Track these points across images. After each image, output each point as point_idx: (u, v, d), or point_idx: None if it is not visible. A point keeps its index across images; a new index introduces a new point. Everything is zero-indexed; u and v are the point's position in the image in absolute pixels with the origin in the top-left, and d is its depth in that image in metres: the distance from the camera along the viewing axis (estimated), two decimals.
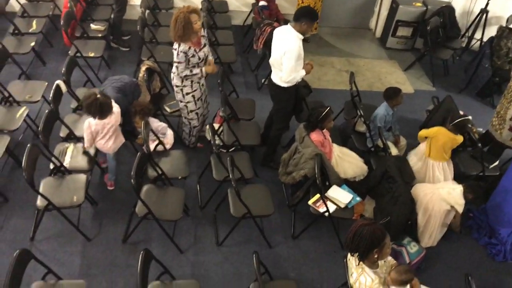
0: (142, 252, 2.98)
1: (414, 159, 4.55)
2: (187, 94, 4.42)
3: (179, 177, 4.13)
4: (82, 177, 3.93)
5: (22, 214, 4.07)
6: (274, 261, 3.94)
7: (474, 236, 4.42)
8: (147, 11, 6.19)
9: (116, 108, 4.02)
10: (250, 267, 3.81)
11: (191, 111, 4.57)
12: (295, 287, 3.26)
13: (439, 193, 3.93)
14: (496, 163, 4.73)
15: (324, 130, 4.21)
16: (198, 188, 4.55)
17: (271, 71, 4.44)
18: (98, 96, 3.79)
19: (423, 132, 4.52)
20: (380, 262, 2.97)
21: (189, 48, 4.11)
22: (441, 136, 4.34)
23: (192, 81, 4.34)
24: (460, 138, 4.35)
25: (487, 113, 5.75)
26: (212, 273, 3.83)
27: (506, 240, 4.22)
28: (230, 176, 3.73)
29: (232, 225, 3.99)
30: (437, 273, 4.06)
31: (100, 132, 3.99)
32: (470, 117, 4.58)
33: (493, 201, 4.44)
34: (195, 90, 4.42)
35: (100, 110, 3.83)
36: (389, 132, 4.70)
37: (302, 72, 4.26)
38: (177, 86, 4.39)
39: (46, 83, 4.87)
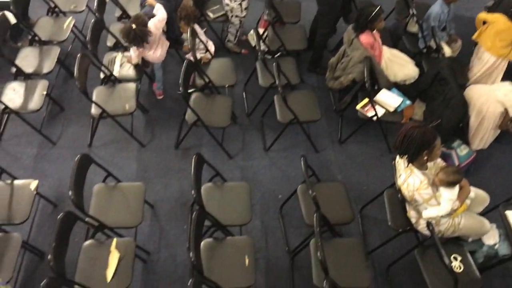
0: (194, 156, 3.10)
1: (473, 59, 4.32)
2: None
3: (226, 85, 4.15)
4: (132, 85, 4.02)
5: (78, 122, 4.28)
6: (320, 164, 4.01)
7: None
8: None
9: (161, 14, 3.98)
10: (297, 170, 3.93)
11: (246, 8, 4.53)
12: (342, 188, 3.34)
13: (495, 95, 3.76)
14: None
15: (374, 32, 4.02)
16: (245, 95, 4.58)
17: None
18: (134, 27, 3.77)
19: (482, 15, 4.23)
20: (429, 164, 2.97)
21: None
22: (497, 23, 4.03)
23: None
24: None
25: None
26: (260, 176, 3.97)
27: None
28: (276, 82, 3.71)
29: (278, 131, 4.05)
30: (487, 176, 4.03)
31: (147, 47, 4.01)
32: None
33: None
34: None
35: (138, 40, 3.85)
36: (443, 32, 4.43)
37: None
38: None
39: None
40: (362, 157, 4.14)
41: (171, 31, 4.48)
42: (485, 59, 4.19)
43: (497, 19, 4.06)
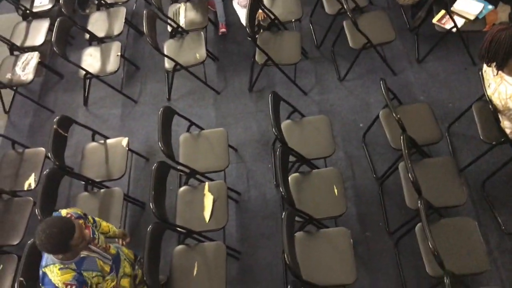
0: (270, 94, 3.11)
1: None
2: None
3: (293, 20, 4.05)
4: (200, 34, 4.05)
5: (154, 78, 4.42)
6: (400, 87, 3.86)
7: None
8: None
9: None
10: (376, 96, 3.83)
11: None
12: (427, 107, 3.21)
13: None
14: None
15: None
16: (312, 27, 4.45)
17: None
18: None
19: None
20: None
21: None
22: None
23: None
24: None
25: None
26: (338, 108, 3.91)
27: None
28: (344, 7, 3.54)
29: (352, 59, 3.92)
30: None
31: None
32: None
33: None
34: None
35: None
36: None
37: None
38: None
39: None
40: (444, 73, 3.92)
41: None
42: None
43: None
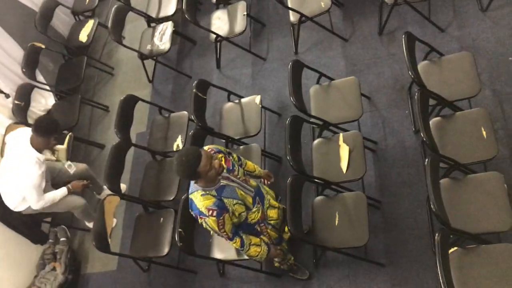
0: (403, 35, 2.92)
1: None
2: None
3: None
4: None
5: (280, 33, 4.43)
6: None
7: None
8: None
9: None
10: None
11: None
12: None
13: None
14: None
15: None
16: None
17: None
18: None
19: None
20: None
21: None
22: None
23: None
24: None
25: None
26: (482, 42, 3.53)
27: None
28: None
29: None
30: None
31: None
32: None
33: None
34: None
35: None
36: None
37: None
38: None
39: None
40: None
41: None
42: None
43: None
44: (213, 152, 2.46)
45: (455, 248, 2.48)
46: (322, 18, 3.93)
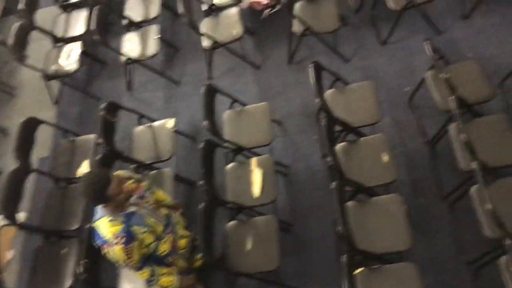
0: (311, 64, 3.06)
1: None
2: None
3: None
4: (234, 10, 4.02)
5: (194, 58, 4.44)
6: (446, 46, 3.67)
7: None
8: None
9: None
10: (420, 58, 3.68)
11: None
12: (476, 65, 3.08)
13: None
14: None
15: None
16: None
17: None
18: None
19: None
20: None
21: None
22: None
23: None
24: None
25: None
26: (382, 73, 3.81)
27: None
28: None
29: (393, 21, 3.78)
30: None
31: None
32: None
33: None
34: None
35: None
36: None
37: None
38: None
39: None
40: (493, 28, 3.73)
41: None
42: None
43: None
44: (121, 176, 2.38)
45: (362, 268, 2.59)
46: (235, 44, 4.02)
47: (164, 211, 2.54)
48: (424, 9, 3.76)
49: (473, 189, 2.62)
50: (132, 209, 2.32)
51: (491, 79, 3.13)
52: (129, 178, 2.41)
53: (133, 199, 2.35)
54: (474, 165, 2.45)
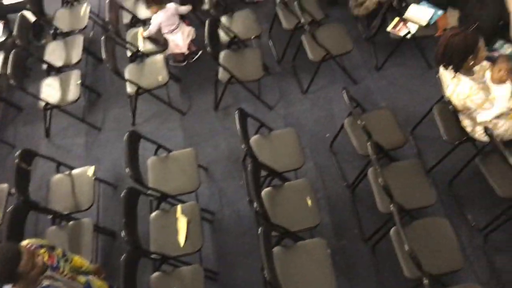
0: (237, 111, 3.11)
1: None
2: None
3: (252, 37, 4.09)
4: (160, 57, 4.04)
5: (117, 104, 4.36)
6: (362, 95, 3.93)
7: None
8: None
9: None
10: (339, 106, 3.90)
11: None
12: (389, 113, 3.29)
13: None
14: None
15: None
16: (271, 43, 4.50)
17: None
18: None
19: None
20: (476, 68, 2.86)
21: None
22: None
23: None
24: None
25: None
26: (304, 120, 3.95)
27: None
28: (302, 21, 3.62)
29: (313, 71, 3.98)
30: None
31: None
32: None
33: None
34: None
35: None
36: None
37: None
38: None
39: None
40: (402, 79, 4.04)
41: None
42: None
43: None
44: (33, 247, 2.15)
45: None
46: (160, 90, 4.01)
47: (82, 279, 2.34)
48: (340, 61, 4.01)
49: (392, 231, 2.74)
50: (45, 283, 2.10)
51: (403, 126, 3.35)
52: (41, 247, 2.20)
53: (46, 272, 2.12)
54: (392, 207, 2.57)
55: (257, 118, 3.36)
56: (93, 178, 3.38)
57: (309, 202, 2.98)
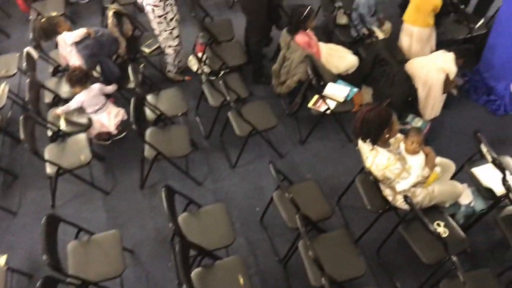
0: (163, 188, 3.04)
1: (404, 38, 4.51)
2: (171, 20, 4.33)
3: (179, 114, 4.12)
4: (83, 136, 3.92)
5: (36, 186, 4.10)
6: (289, 168, 4.03)
7: (473, 98, 4.51)
8: None
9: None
10: (267, 179, 3.95)
11: (177, 36, 4.51)
12: (315, 185, 3.37)
13: (435, 63, 3.92)
14: (482, 21, 4.69)
15: (308, 31, 4.13)
16: (199, 120, 4.55)
17: None
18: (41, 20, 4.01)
19: None
20: (391, 140, 3.05)
21: None
22: None
23: (171, 4, 4.26)
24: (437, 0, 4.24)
25: None
26: (233, 195, 3.94)
27: (504, 93, 4.30)
28: (228, 98, 3.72)
29: (240, 146, 4.05)
30: (445, 142, 4.18)
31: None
32: None
33: (484, 59, 4.47)
34: (176, 14, 4.36)
35: (47, 34, 4.06)
36: (373, 17, 4.59)
37: None
38: (159, 16, 4.26)
39: (17, 54, 4.70)
40: (325, 152, 4.21)
41: (109, 73, 4.40)
42: (414, 33, 4.38)
43: None
44: None
45: None
46: (83, 170, 3.85)
47: None
48: (266, 136, 4.12)
49: None
50: None
51: (329, 197, 3.44)
52: None
53: None
54: (323, 281, 2.56)
55: (185, 194, 3.30)
56: (5, 268, 3.08)
57: (241, 280, 2.89)
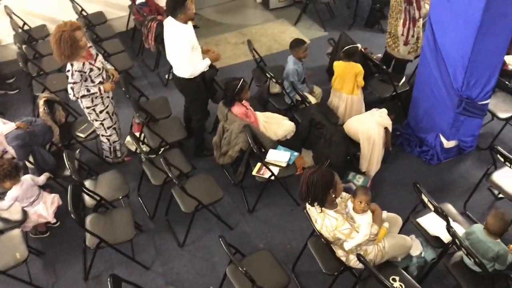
0: (109, 278, 2.86)
1: (335, 100, 4.72)
2: (101, 112, 4.25)
3: (120, 197, 3.97)
4: (17, 231, 3.66)
5: None
6: (240, 239, 3.95)
7: (407, 151, 4.72)
8: (24, 45, 5.79)
9: None
10: (219, 254, 3.84)
11: (109, 127, 4.40)
12: (268, 254, 3.30)
13: (374, 119, 4.10)
14: (403, 79, 5.04)
15: (243, 102, 4.23)
16: (141, 200, 4.41)
17: (171, 65, 4.37)
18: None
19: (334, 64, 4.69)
20: (338, 200, 3.09)
21: (83, 64, 3.91)
22: (337, 68, 4.56)
23: (102, 97, 4.18)
24: (357, 65, 4.49)
25: (380, 38, 6.09)
26: (185, 274, 3.77)
27: (434, 143, 4.54)
28: (170, 175, 3.66)
29: (187, 223, 3.94)
30: (387, 196, 4.29)
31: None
32: (358, 45, 4.70)
33: (412, 113, 4.75)
34: (107, 106, 4.27)
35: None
36: (304, 84, 4.80)
37: (206, 62, 4.22)
38: (88, 108, 4.19)
39: None
40: (275, 218, 4.18)
41: (43, 163, 4.21)
42: (343, 98, 4.61)
43: (337, 66, 4.59)
44: None
45: None
46: (19, 269, 3.56)
47: None
48: (213, 209, 4.05)
49: None
50: None
51: (284, 264, 3.37)
52: None
53: None
54: None
55: (132, 282, 3.13)
56: None
57: None
